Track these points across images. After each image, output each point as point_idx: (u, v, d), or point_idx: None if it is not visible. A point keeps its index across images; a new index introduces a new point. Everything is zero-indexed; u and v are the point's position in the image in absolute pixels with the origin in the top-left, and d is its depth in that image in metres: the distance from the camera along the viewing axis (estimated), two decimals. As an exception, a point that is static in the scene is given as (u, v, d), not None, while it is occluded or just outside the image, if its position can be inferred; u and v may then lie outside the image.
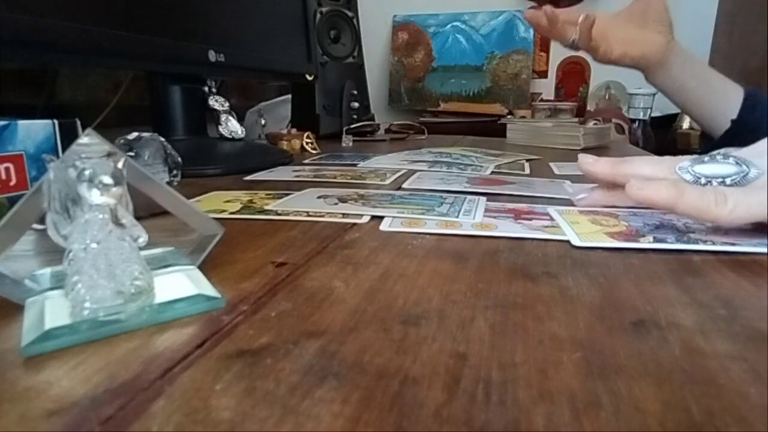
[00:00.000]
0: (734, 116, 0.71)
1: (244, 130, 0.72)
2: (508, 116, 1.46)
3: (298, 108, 1.09)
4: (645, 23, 0.74)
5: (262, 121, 1.00)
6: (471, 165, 0.62)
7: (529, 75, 1.61)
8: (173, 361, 0.17)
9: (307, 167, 0.61)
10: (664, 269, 0.26)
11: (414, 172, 0.57)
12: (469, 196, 0.42)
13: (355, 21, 1.13)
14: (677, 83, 0.75)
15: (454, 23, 1.68)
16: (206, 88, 0.69)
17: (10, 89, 0.74)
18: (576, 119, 1.13)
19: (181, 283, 0.22)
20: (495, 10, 1.64)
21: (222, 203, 0.40)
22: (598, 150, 0.87)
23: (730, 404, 0.14)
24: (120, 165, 0.20)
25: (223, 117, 0.70)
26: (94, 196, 0.19)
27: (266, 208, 0.38)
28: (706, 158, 0.32)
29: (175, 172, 0.43)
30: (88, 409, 0.14)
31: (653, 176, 0.34)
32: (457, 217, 0.35)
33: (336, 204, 0.39)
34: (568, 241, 0.30)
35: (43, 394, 0.15)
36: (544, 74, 1.68)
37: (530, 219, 0.35)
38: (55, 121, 0.35)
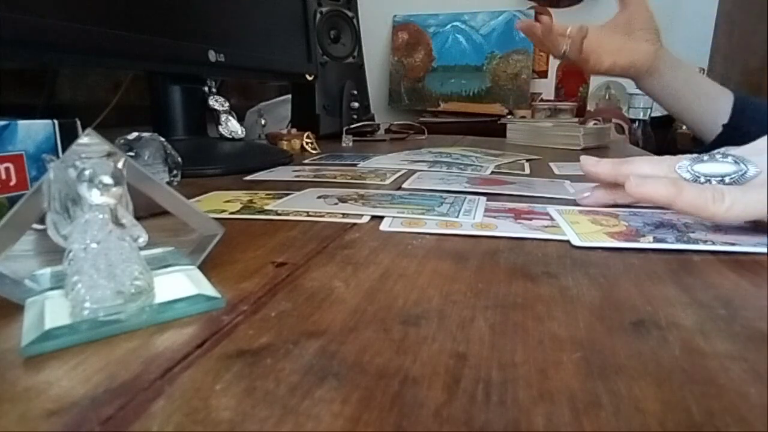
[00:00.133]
0: (725, 121, 0.71)
1: (244, 130, 0.72)
2: (508, 116, 1.46)
3: (298, 108, 1.09)
4: (631, 32, 0.74)
5: (262, 121, 1.00)
6: (471, 165, 0.62)
7: (529, 75, 1.61)
8: (173, 361, 0.17)
9: (307, 167, 0.61)
10: (664, 269, 0.26)
11: (414, 172, 0.57)
12: (469, 196, 0.42)
13: (355, 21, 1.13)
14: (667, 90, 0.76)
15: (454, 23, 1.68)
16: (206, 88, 0.69)
17: (10, 89, 0.74)
18: (576, 119, 1.13)
19: (181, 283, 0.22)
20: (495, 10, 1.64)
21: (222, 203, 0.40)
22: (598, 150, 0.88)
23: (730, 404, 0.14)
24: (120, 165, 0.20)
25: (223, 117, 0.70)
26: (94, 196, 0.19)
27: (266, 208, 0.38)
28: (706, 157, 0.33)
29: (175, 172, 0.43)
30: (88, 409, 0.14)
31: (653, 175, 0.34)
32: (457, 217, 0.35)
33: (336, 204, 0.39)
34: (568, 241, 0.30)
35: (43, 394, 0.15)
36: (544, 74, 1.68)
37: (530, 219, 0.35)
38: (55, 121, 0.35)
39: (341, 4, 1.10)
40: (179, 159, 0.43)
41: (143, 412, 0.14)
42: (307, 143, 0.81)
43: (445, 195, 0.43)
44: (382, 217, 0.35)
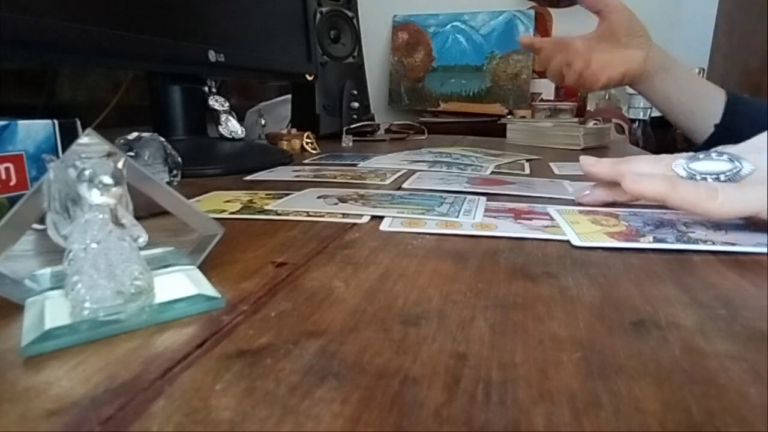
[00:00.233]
0: (717, 120, 0.71)
1: (244, 130, 0.72)
2: (508, 116, 1.46)
3: (298, 108, 1.09)
4: (617, 40, 0.73)
5: (262, 121, 1.00)
6: (471, 165, 0.62)
7: (529, 75, 1.61)
8: (173, 361, 0.17)
9: (307, 167, 0.61)
10: (664, 269, 0.26)
11: (414, 172, 0.57)
12: (469, 196, 0.42)
13: (355, 21, 1.13)
14: (660, 94, 0.76)
15: (454, 23, 1.68)
16: (206, 88, 0.69)
17: (10, 89, 0.74)
18: (576, 119, 1.13)
19: (181, 283, 0.22)
20: (495, 10, 1.64)
21: (222, 203, 0.40)
22: (598, 150, 0.88)
23: (730, 404, 0.14)
24: (120, 165, 0.20)
25: (223, 117, 0.70)
26: (94, 196, 0.19)
27: (266, 208, 0.38)
28: (701, 155, 0.33)
29: (175, 172, 0.43)
30: (88, 409, 0.14)
31: (651, 173, 0.34)
32: (457, 217, 0.35)
33: (336, 204, 0.39)
34: (568, 241, 0.30)
35: (43, 394, 0.15)
36: (544, 74, 1.68)
37: (530, 219, 0.35)
38: (55, 121, 0.35)
39: (341, 4, 1.10)
40: (179, 159, 0.43)
41: (143, 412, 0.14)
42: (307, 143, 0.81)
43: (445, 195, 0.43)
44: (382, 217, 0.35)
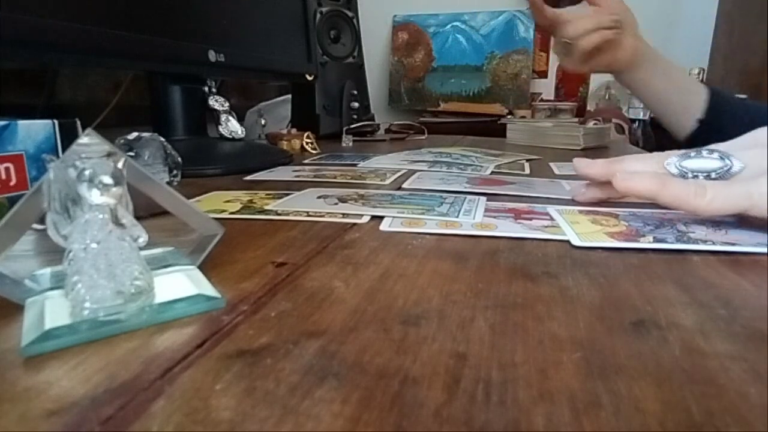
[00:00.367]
0: (699, 115, 0.72)
1: (244, 130, 0.72)
2: (508, 116, 1.46)
3: (298, 108, 1.09)
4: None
5: (262, 121, 1.00)
6: (471, 165, 0.62)
7: (529, 75, 1.61)
8: (173, 361, 0.17)
9: (307, 167, 0.61)
10: (664, 269, 0.26)
11: (414, 172, 0.56)
12: (469, 196, 0.42)
13: (355, 21, 1.13)
14: (646, 83, 0.76)
15: (454, 23, 1.68)
16: (206, 88, 0.69)
17: (10, 89, 0.74)
18: (576, 119, 1.14)
19: (181, 283, 0.22)
20: (495, 10, 1.64)
21: (222, 203, 0.40)
22: (598, 150, 0.88)
23: (730, 404, 0.14)
24: (120, 165, 0.20)
25: (223, 117, 0.70)
26: (94, 196, 0.19)
27: (266, 208, 0.38)
28: (693, 153, 0.34)
29: (175, 172, 0.43)
30: (88, 409, 0.14)
31: (643, 171, 0.35)
32: (457, 217, 0.35)
33: (336, 204, 0.39)
34: (568, 241, 0.30)
35: (43, 394, 0.15)
36: (544, 74, 1.68)
37: (530, 219, 0.35)
38: (55, 121, 0.35)
39: (341, 4, 1.10)
40: (179, 159, 0.43)
41: (143, 412, 0.14)
42: (307, 143, 0.81)
43: (445, 195, 0.43)
44: (382, 217, 0.35)
